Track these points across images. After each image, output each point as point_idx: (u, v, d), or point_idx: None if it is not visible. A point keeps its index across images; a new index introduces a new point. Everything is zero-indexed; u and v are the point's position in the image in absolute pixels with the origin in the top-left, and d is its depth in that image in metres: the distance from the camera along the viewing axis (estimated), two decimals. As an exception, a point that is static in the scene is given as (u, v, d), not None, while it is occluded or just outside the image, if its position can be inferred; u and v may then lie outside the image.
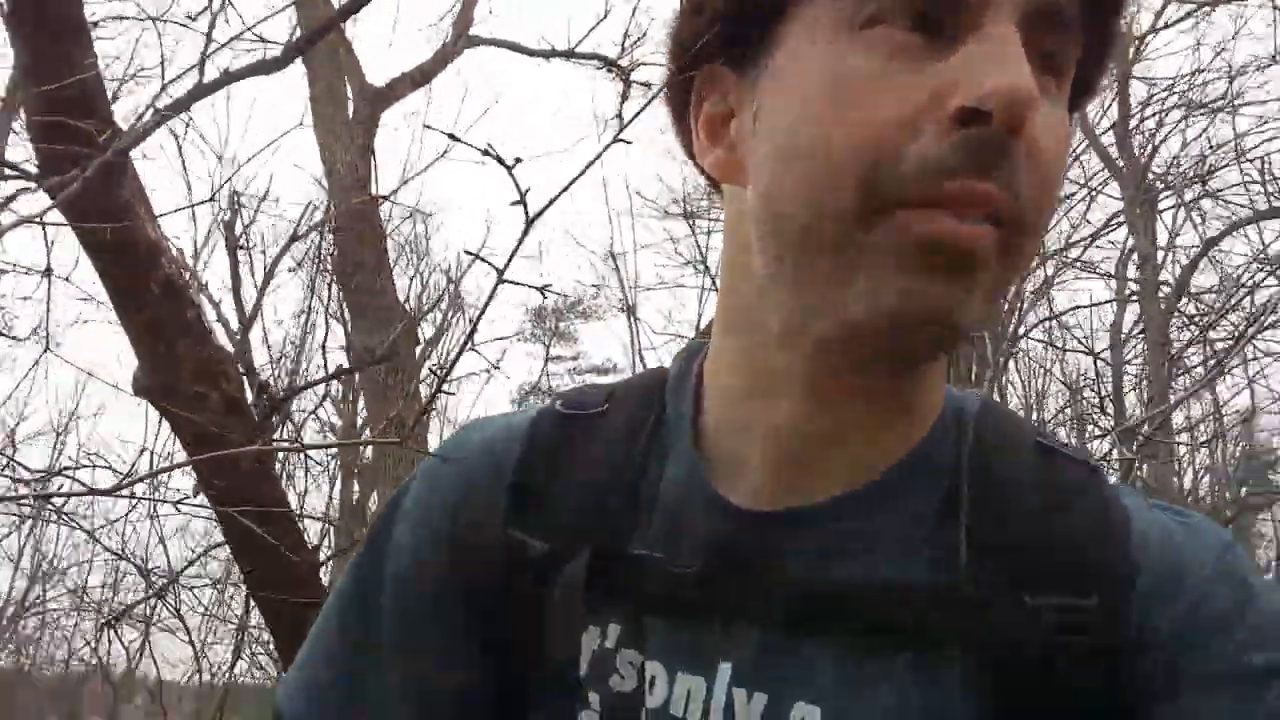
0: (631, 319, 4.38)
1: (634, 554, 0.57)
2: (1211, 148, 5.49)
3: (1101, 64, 0.56)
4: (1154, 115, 5.87)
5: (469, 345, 1.34)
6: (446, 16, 5.75)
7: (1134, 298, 5.58)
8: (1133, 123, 5.73)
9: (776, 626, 0.53)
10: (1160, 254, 5.60)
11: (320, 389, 3.90)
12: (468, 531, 0.62)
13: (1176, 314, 5.16)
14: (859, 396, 0.54)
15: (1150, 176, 5.65)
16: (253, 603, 2.88)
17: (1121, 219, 5.60)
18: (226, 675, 4.75)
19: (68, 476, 1.91)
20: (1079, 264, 5.83)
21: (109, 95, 2.05)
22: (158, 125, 2.25)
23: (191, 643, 3.78)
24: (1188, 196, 5.57)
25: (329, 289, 5.37)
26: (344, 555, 3.44)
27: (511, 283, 0.88)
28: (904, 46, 0.49)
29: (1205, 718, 0.48)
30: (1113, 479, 0.58)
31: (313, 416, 5.34)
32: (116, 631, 3.37)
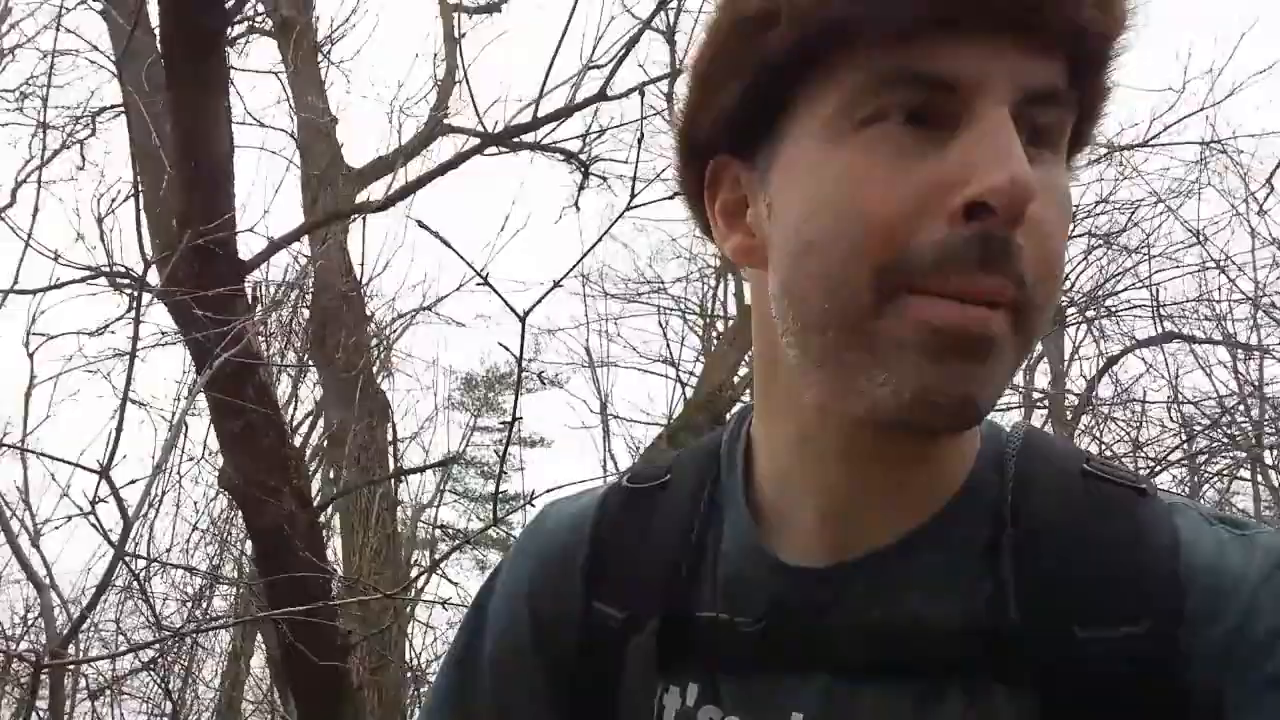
0: (604, 417, 4.66)
1: (700, 616, 0.61)
2: (1111, 275, 6.10)
3: (1093, 117, 0.57)
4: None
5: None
6: (421, 102, 6.00)
7: (1041, 404, 6.12)
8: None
9: (837, 674, 0.57)
10: (1065, 366, 6.18)
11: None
12: (548, 609, 0.68)
13: (1081, 426, 5.70)
14: (894, 460, 0.57)
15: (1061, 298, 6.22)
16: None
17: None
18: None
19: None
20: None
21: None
22: (274, 251, 2.49)
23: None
24: (1089, 314, 6.15)
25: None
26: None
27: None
28: (904, 142, 0.50)
29: None
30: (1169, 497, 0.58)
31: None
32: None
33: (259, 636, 5.02)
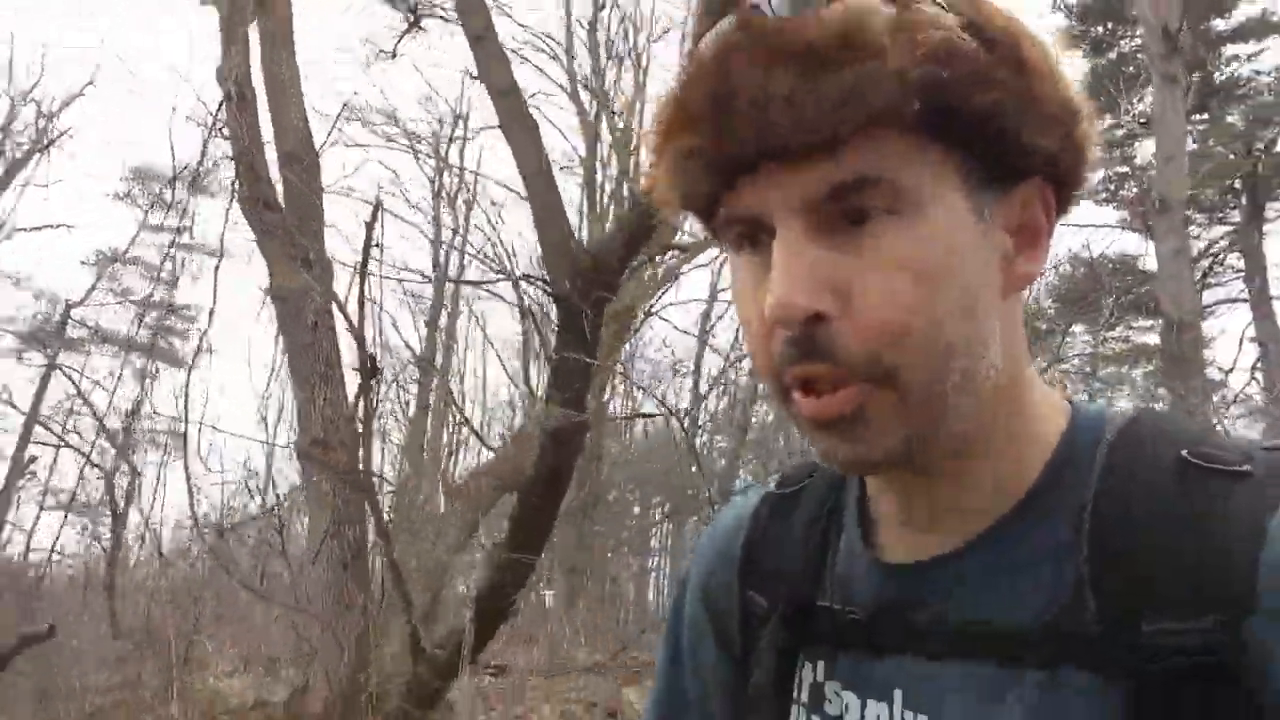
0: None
1: (820, 606, 0.71)
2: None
3: (987, 138, 0.58)
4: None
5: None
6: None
7: None
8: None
9: (928, 658, 0.64)
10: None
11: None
12: (719, 600, 0.81)
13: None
14: (906, 482, 0.66)
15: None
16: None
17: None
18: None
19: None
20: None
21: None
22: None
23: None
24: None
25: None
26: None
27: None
28: (754, 266, 0.61)
29: None
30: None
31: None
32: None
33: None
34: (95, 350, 19.31)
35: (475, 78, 5.03)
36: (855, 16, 0.55)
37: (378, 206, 4.73)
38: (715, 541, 0.83)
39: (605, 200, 12.85)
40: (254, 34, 6.67)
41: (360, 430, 4.85)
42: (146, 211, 19.00)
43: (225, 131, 6.60)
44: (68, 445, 8.88)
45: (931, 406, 0.58)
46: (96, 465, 7.67)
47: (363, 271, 4.65)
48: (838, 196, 0.57)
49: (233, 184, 6.41)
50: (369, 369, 4.76)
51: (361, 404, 4.79)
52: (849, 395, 0.57)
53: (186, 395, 5.55)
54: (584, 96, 13.03)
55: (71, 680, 6.52)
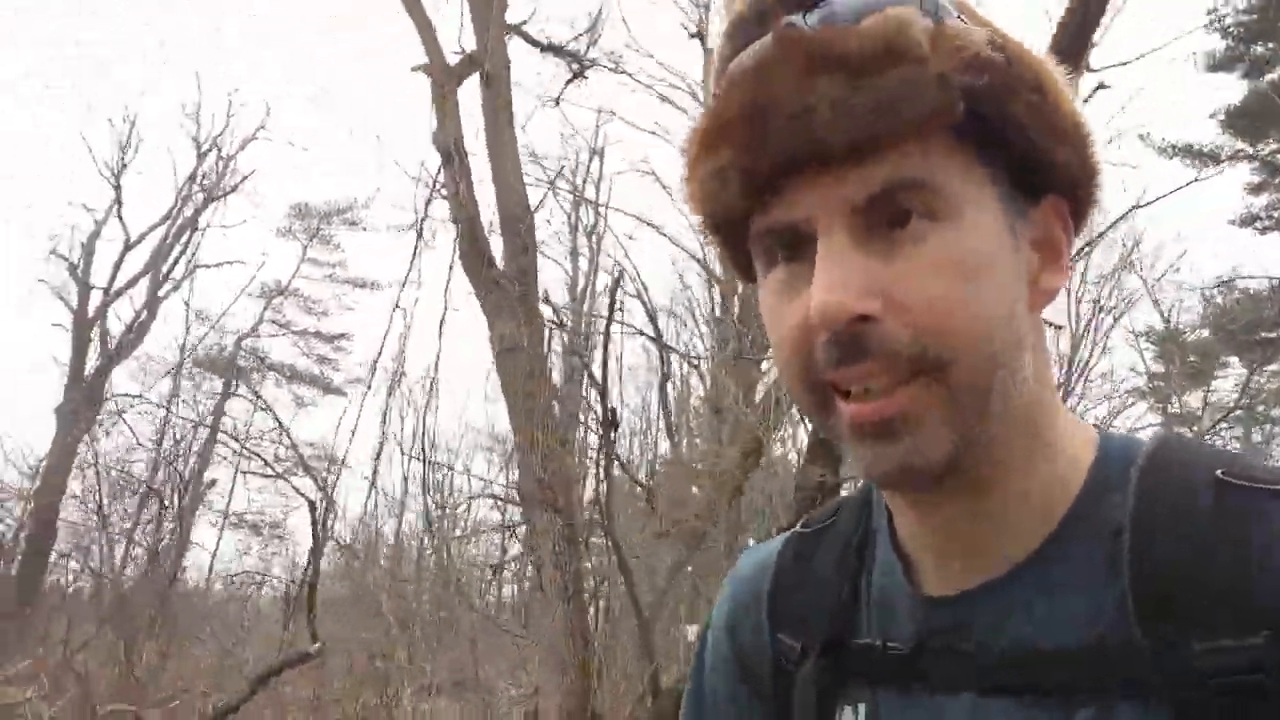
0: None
1: (858, 643, 0.69)
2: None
3: (1021, 143, 0.60)
4: None
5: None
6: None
7: None
8: None
9: (981, 694, 0.61)
10: None
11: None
12: (747, 642, 0.78)
13: None
14: (941, 505, 0.64)
15: None
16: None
17: None
18: None
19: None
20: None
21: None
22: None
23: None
24: None
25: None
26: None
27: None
28: (790, 277, 0.61)
29: None
30: None
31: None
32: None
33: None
34: (263, 378, 20.51)
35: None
36: (897, 25, 0.57)
37: (620, 275, 5.11)
38: (741, 585, 0.81)
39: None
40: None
41: (603, 476, 5.23)
42: (306, 246, 20.22)
43: (443, 191, 7.14)
44: (281, 476, 9.56)
45: (978, 406, 0.58)
46: (302, 494, 8.30)
47: (607, 331, 5.06)
48: (881, 200, 0.57)
49: (456, 242, 6.91)
50: (610, 421, 5.16)
51: (603, 451, 5.17)
52: (900, 396, 0.57)
53: (424, 434, 6.01)
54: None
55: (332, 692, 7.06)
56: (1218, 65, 15.14)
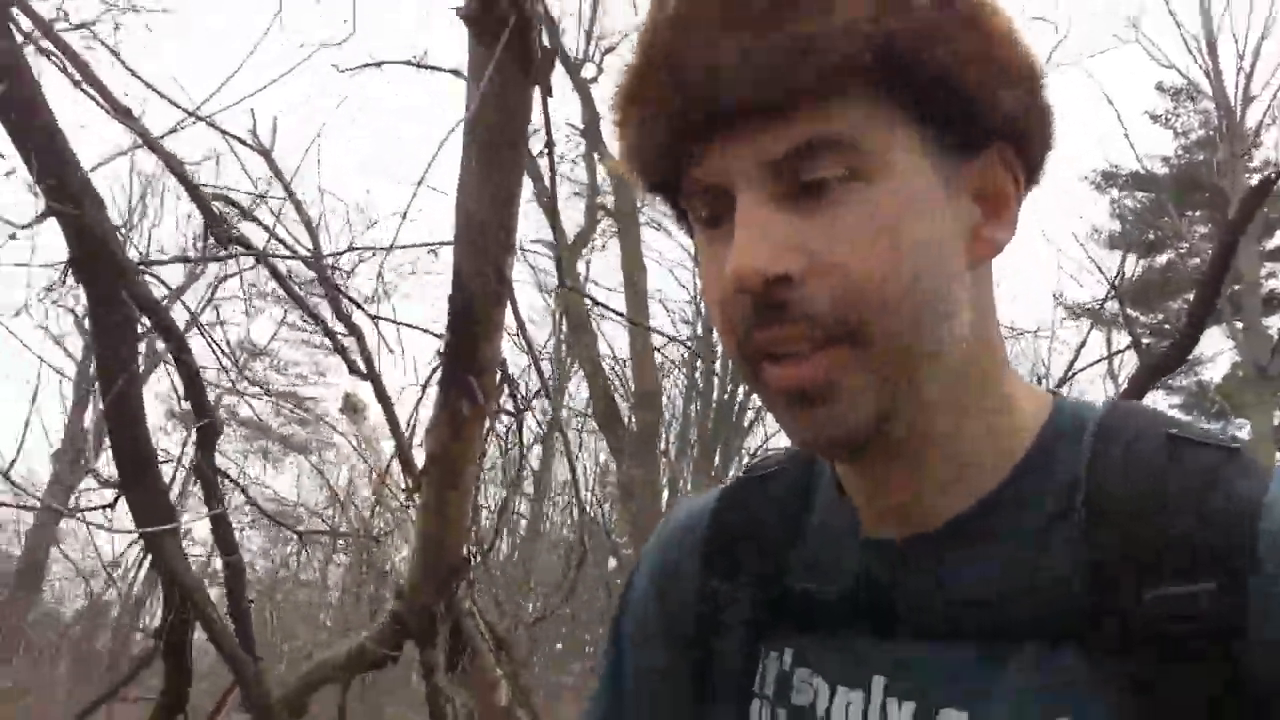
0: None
1: (793, 587, 0.68)
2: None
3: (948, 99, 0.57)
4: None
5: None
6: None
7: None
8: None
9: (913, 640, 0.61)
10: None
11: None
12: (671, 592, 0.77)
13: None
14: (871, 465, 0.63)
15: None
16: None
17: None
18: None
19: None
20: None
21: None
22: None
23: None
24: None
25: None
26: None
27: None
28: (715, 240, 0.60)
29: None
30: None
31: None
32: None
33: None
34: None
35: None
36: None
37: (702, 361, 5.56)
38: (668, 535, 0.81)
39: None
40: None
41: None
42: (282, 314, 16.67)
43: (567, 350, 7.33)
44: (341, 536, 8.25)
45: (902, 368, 0.57)
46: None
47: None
48: (796, 159, 0.56)
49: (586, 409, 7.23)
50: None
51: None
52: (819, 361, 0.56)
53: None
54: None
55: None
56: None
